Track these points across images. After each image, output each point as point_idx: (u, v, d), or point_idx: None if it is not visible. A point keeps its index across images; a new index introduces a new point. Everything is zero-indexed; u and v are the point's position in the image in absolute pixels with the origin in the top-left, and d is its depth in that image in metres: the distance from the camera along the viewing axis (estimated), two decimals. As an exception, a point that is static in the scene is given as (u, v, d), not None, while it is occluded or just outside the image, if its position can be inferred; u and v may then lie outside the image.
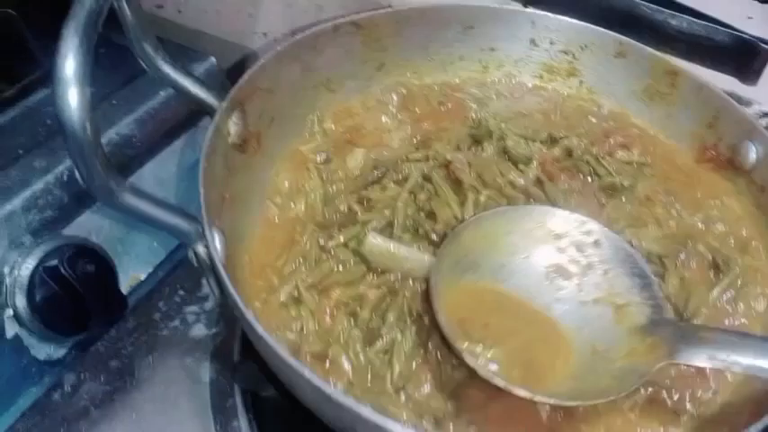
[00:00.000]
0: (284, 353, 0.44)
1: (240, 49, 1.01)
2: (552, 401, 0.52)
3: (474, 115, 0.76)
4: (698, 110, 0.73)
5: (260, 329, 0.45)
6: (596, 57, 0.78)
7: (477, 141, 0.72)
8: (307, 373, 0.43)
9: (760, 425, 0.47)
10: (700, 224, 0.68)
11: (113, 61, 0.82)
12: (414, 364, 0.55)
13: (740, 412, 0.54)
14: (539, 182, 0.68)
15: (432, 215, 0.64)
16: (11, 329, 0.63)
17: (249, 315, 0.45)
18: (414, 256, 0.60)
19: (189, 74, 0.59)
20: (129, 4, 0.51)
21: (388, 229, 0.63)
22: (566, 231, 0.62)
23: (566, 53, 0.79)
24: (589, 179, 0.70)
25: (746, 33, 0.86)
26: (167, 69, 0.57)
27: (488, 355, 0.55)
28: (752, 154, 0.68)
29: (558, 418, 0.54)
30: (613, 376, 0.54)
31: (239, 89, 0.61)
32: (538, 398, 0.51)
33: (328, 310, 0.58)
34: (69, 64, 0.41)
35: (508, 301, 0.60)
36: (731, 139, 0.70)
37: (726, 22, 0.87)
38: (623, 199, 0.69)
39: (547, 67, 0.81)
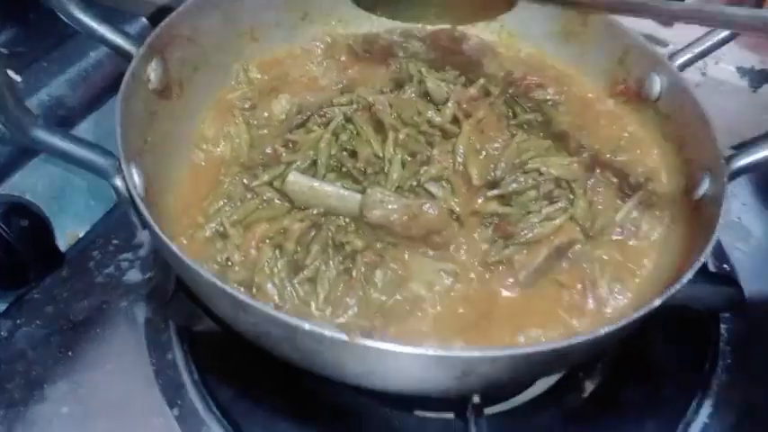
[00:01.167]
0: (195, 264, 0.46)
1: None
2: None
3: (397, 66, 0.78)
4: (608, 46, 0.77)
5: (172, 246, 0.47)
6: (515, 1, 0.81)
7: (398, 85, 0.74)
8: (216, 281, 0.46)
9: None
10: (609, 154, 0.72)
11: (42, 25, 0.83)
12: (339, 289, 0.58)
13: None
14: (455, 120, 0.70)
15: (354, 154, 0.66)
16: (-51, 286, 0.64)
17: (161, 234, 0.48)
18: (336, 193, 0.62)
19: (105, 21, 0.60)
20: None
21: (312, 169, 0.65)
22: None
23: (486, -1, 0.82)
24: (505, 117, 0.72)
25: (661, -23, 0.90)
26: (81, 16, 0.58)
27: None
28: (656, 85, 0.72)
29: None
30: None
31: (156, 36, 0.62)
32: None
33: (254, 243, 0.60)
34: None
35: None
36: (639, 72, 0.74)
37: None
38: (540, 135, 0.71)
39: (468, 14, 0.83)
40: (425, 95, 0.73)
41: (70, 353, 0.63)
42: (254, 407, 0.61)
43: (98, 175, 0.53)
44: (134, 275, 0.70)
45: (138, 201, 0.49)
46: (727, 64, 0.88)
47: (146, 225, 0.50)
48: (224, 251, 0.59)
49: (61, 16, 0.59)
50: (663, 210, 0.67)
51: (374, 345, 0.44)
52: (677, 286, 0.51)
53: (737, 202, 0.83)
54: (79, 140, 0.51)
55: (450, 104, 0.71)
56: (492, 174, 0.66)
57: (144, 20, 0.89)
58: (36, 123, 0.48)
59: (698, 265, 0.54)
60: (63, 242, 0.74)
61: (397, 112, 0.70)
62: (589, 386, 0.65)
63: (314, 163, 0.65)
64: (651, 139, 0.73)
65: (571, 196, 0.66)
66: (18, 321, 0.65)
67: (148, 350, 0.63)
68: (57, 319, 0.65)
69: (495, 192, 0.64)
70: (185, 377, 0.61)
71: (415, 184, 0.64)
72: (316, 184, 0.62)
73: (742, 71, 0.88)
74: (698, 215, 0.64)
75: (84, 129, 0.81)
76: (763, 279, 0.76)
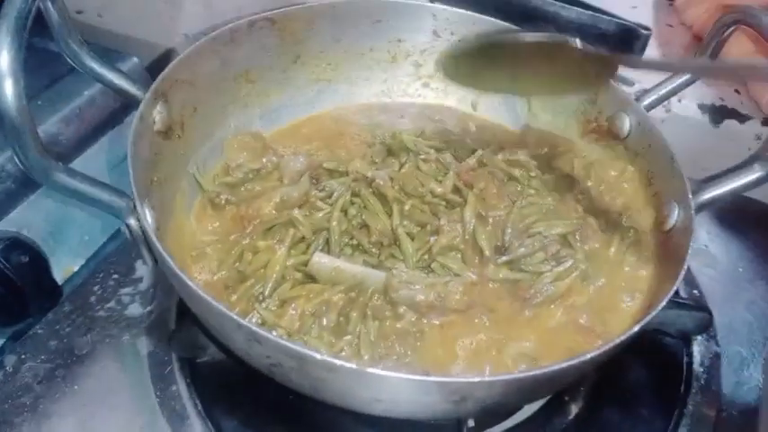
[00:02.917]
0: (213, 300, 0.49)
1: (162, 51, 1.05)
2: None
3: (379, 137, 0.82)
4: (582, 88, 0.82)
5: (188, 281, 0.50)
6: (493, 45, 0.86)
7: (390, 154, 0.79)
8: (234, 315, 0.49)
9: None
10: (594, 196, 0.77)
11: (36, 65, 0.85)
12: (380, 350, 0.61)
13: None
14: (457, 189, 0.73)
15: (364, 227, 0.69)
16: (-52, 321, 0.65)
17: (178, 270, 0.50)
18: (361, 272, 0.64)
19: (114, 68, 0.64)
20: (54, 4, 0.55)
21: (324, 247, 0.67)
22: None
23: (465, 42, 0.87)
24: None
25: (628, 21, 0.97)
26: (93, 65, 0.62)
27: None
28: (626, 124, 0.78)
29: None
30: None
31: (161, 81, 0.65)
32: None
33: (296, 316, 0.61)
34: (3, 58, 0.45)
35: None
36: (609, 111, 0.80)
37: (610, 12, 0.98)
38: (532, 193, 0.76)
39: (449, 56, 0.88)
40: (418, 167, 0.76)
41: (76, 387, 0.64)
42: (257, 436, 0.63)
43: (113, 215, 0.56)
44: (135, 309, 0.72)
45: (153, 239, 0.52)
46: (690, 101, 0.94)
47: (160, 262, 0.52)
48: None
49: (74, 65, 0.62)
50: (640, 242, 0.71)
51: (382, 373, 0.48)
52: (654, 312, 0.56)
53: (703, 230, 0.89)
54: (96, 182, 0.54)
55: (451, 175, 0.74)
56: (500, 240, 0.69)
57: (135, 59, 0.92)
58: (57, 168, 0.51)
59: (672, 291, 0.58)
60: (59, 276, 0.75)
61: (398, 184, 0.72)
62: (573, 409, 0.69)
63: (326, 240, 0.67)
64: (622, 175, 0.78)
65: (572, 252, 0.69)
66: (23, 356, 0.66)
67: (152, 383, 0.65)
68: (61, 353, 0.67)
69: (505, 258, 0.68)
70: (189, 408, 0.63)
71: (426, 257, 0.67)
72: (339, 264, 0.64)
73: (703, 108, 0.95)
74: (668, 245, 0.69)
75: (78, 165, 0.83)
76: (730, 303, 0.81)
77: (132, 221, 0.55)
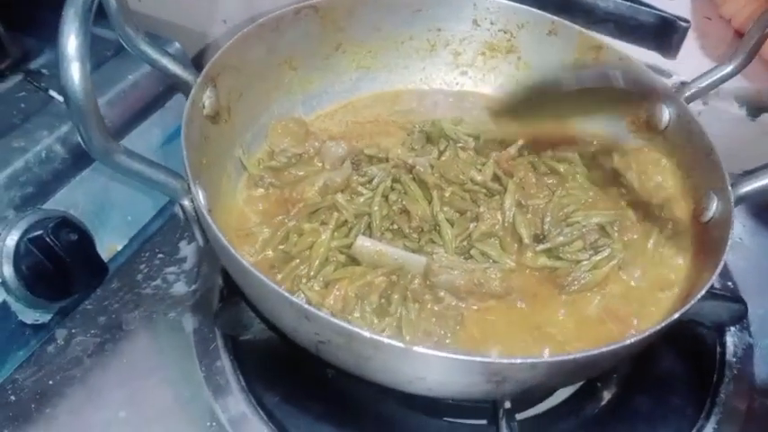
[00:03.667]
0: (266, 278, 0.51)
1: (200, 36, 1.06)
2: None
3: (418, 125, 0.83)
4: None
5: (241, 259, 0.52)
6: (532, 35, 0.87)
7: (429, 141, 0.80)
8: (285, 293, 0.51)
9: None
10: (634, 185, 0.77)
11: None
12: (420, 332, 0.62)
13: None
14: (496, 177, 0.74)
15: (405, 212, 0.70)
16: (-1, 296, 0.68)
17: (232, 249, 0.52)
18: (402, 256, 0.66)
19: (166, 53, 0.65)
20: (113, -9, 0.57)
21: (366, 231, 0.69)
22: None
23: (505, 32, 0.88)
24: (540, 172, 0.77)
25: (667, 12, 0.97)
26: (147, 49, 0.64)
27: None
28: (665, 116, 0.78)
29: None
30: None
31: (211, 66, 0.67)
32: None
33: (341, 298, 0.63)
34: (71, 42, 0.47)
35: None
36: (648, 103, 0.80)
37: (648, 3, 0.98)
38: (571, 183, 0.76)
39: (489, 45, 0.89)
40: (457, 154, 0.77)
41: (124, 360, 0.67)
42: (297, 411, 0.65)
43: (167, 195, 0.58)
44: (180, 288, 0.74)
45: (208, 219, 0.54)
46: (728, 93, 0.94)
47: (213, 241, 0.54)
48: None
49: (129, 49, 0.63)
50: (678, 233, 0.72)
51: (427, 351, 0.49)
52: (692, 302, 0.56)
53: (738, 223, 0.89)
54: (153, 164, 0.56)
55: (491, 163, 0.75)
56: (539, 228, 0.70)
57: (177, 44, 0.94)
58: (118, 149, 0.53)
59: (710, 283, 0.59)
60: (104, 255, 0.78)
61: (439, 171, 0.73)
62: (606, 395, 0.70)
63: (368, 225, 0.68)
64: (662, 168, 0.78)
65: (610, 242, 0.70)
66: (73, 330, 0.69)
67: (198, 358, 0.68)
68: (109, 328, 0.70)
69: (543, 246, 0.69)
70: (233, 383, 0.66)
71: (465, 243, 0.68)
72: (382, 247, 0.66)
73: (741, 100, 0.94)
74: (706, 237, 0.70)
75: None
76: (764, 295, 0.81)
77: (186, 202, 0.57)
